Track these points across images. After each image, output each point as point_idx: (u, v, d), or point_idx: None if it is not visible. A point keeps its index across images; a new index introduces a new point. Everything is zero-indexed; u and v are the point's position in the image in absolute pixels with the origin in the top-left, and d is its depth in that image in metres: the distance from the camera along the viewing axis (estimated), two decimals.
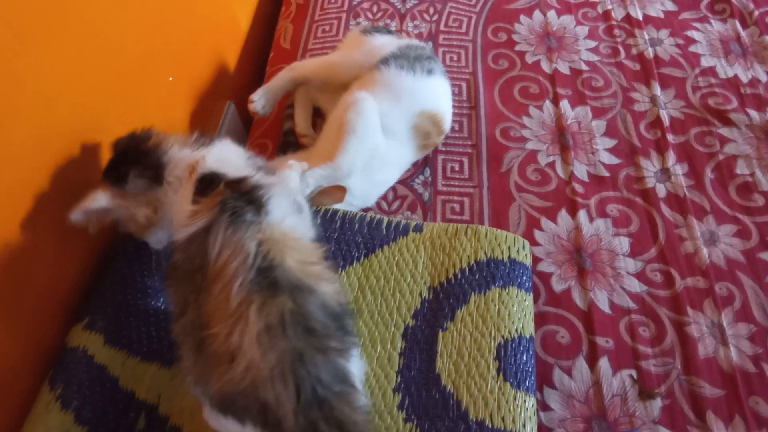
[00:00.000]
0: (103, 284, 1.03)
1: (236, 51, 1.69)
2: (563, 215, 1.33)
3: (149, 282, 1.06)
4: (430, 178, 1.38)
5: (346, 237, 1.13)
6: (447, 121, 1.38)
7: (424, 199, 1.35)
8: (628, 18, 1.71)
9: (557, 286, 1.22)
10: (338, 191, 1.16)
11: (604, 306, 1.20)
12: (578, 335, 1.16)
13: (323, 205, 1.18)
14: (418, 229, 1.16)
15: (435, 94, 1.36)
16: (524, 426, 0.96)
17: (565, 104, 1.53)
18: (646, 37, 1.66)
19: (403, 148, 1.30)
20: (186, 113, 1.39)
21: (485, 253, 1.13)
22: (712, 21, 1.70)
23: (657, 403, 1.08)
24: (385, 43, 1.37)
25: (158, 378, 1.01)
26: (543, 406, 1.08)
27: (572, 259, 1.26)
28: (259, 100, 1.41)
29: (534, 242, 1.28)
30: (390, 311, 1.06)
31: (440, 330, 1.04)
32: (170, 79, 1.30)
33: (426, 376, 1.00)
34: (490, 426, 0.95)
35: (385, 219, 1.17)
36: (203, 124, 1.47)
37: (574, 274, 1.24)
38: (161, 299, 1.06)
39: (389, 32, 1.47)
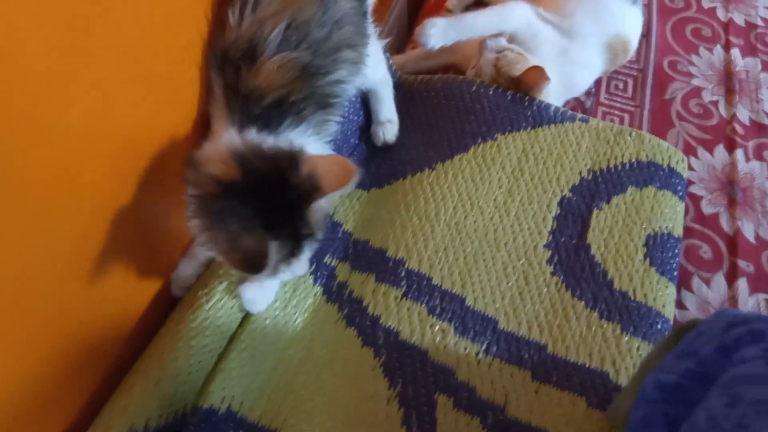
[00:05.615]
0: None
1: None
2: (720, 150, 1.32)
3: None
4: (593, 88, 1.41)
5: (516, 107, 1.17)
6: (632, 51, 1.42)
7: (586, 107, 1.38)
8: None
9: (706, 209, 1.23)
10: (537, 72, 1.18)
11: (749, 235, 1.19)
12: (720, 254, 1.17)
13: (521, 91, 1.21)
14: (584, 120, 1.19)
15: (632, 22, 1.41)
16: (664, 307, 0.99)
17: (735, 52, 1.50)
18: None
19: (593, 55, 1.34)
20: None
21: (646, 156, 1.15)
22: None
23: None
24: None
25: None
26: (679, 305, 1.09)
27: (724, 189, 1.26)
28: None
29: (689, 168, 1.28)
30: (550, 179, 1.10)
31: (595, 208, 1.08)
32: None
33: (577, 243, 1.04)
34: (633, 298, 0.98)
35: (553, 105, 1.20)
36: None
37: (725, 203, 1.24)
38: None
39: None
